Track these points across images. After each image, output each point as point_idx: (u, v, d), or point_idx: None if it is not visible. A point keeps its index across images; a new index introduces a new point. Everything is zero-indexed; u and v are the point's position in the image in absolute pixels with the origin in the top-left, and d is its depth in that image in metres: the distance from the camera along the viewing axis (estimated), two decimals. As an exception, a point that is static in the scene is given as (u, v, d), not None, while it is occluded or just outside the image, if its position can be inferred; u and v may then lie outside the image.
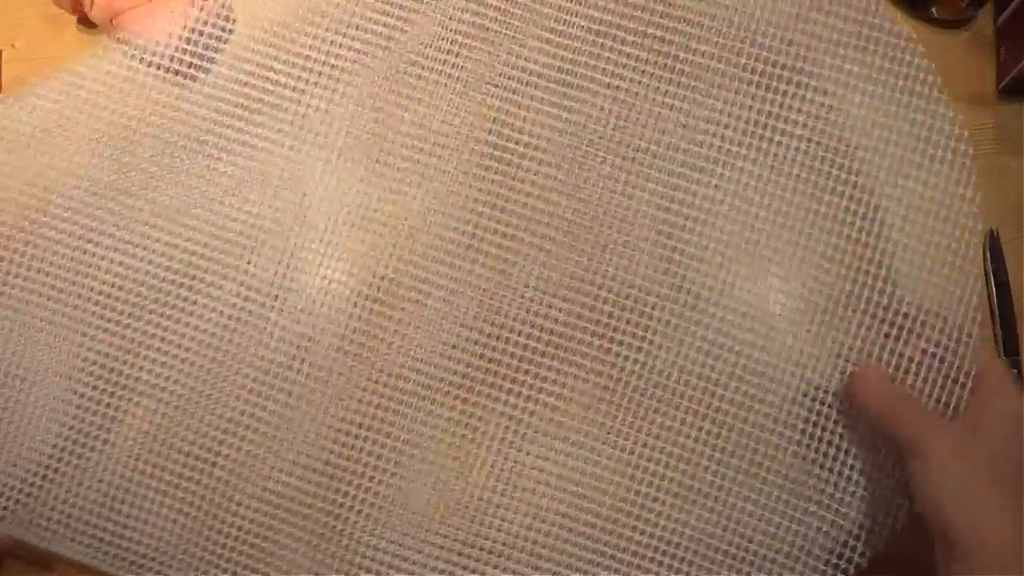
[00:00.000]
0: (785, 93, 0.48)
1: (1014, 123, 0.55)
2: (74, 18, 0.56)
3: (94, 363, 0.48)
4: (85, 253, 0.48)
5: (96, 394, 0.47)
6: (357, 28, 0.51)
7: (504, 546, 0.46)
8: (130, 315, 0.48)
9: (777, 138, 0.48)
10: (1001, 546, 0.36)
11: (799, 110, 0.49)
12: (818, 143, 0.48)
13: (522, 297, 0.48)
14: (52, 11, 0.55)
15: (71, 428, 0.47)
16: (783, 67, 0.49)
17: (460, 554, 0.46)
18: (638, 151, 0.49)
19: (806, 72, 0.49)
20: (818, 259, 0.48)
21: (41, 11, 0.56)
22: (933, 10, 0.55)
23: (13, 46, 0.56)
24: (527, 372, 0.47)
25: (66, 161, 0.49)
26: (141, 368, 0.48)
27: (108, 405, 0.47)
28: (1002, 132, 0.55)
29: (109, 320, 0.48)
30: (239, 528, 0.46)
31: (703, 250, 0.48)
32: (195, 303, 0.48)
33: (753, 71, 0.49)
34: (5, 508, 0.46)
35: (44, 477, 0.47)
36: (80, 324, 0.48)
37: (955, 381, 0.41)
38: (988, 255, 0.51)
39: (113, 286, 0.48)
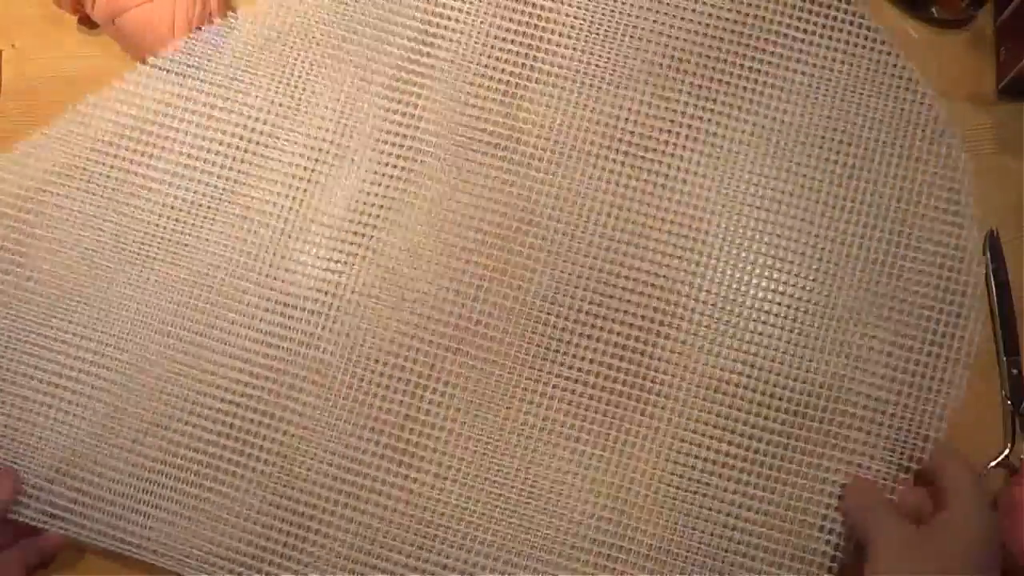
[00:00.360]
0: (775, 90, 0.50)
1: (1014, 123, 0.54)
2: (74, 18, 0.56)
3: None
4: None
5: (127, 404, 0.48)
6: (363, 28, 0.51)
7: (524, 541, 0.46)
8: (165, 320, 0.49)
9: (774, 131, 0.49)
10: None
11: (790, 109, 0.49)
12: (813, 141, 0.49)
13: (543, 298, 0.49)
14: (52, 11, 0.55)
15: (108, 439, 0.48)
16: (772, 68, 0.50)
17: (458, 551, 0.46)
18: (645, 149, 0.50)
19: (798, 73, 0.50)
20: (819, 256, 0.48)
21: (41, 11, 0.56)
22: (933, 10, 0.54)
23: (13, 46, 0.56)
24: (548, 372, 0.48)
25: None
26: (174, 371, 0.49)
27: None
28: (1002, 132, 0.54)
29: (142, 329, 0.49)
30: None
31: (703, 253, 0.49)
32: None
33: (747, 71, 0.50)
34: (59, 510, 0.47)
35: (93, 479, 0.47)
36: (110, 331, 0.49)
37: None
38: (988, 255, 0.51)
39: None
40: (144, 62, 0.50)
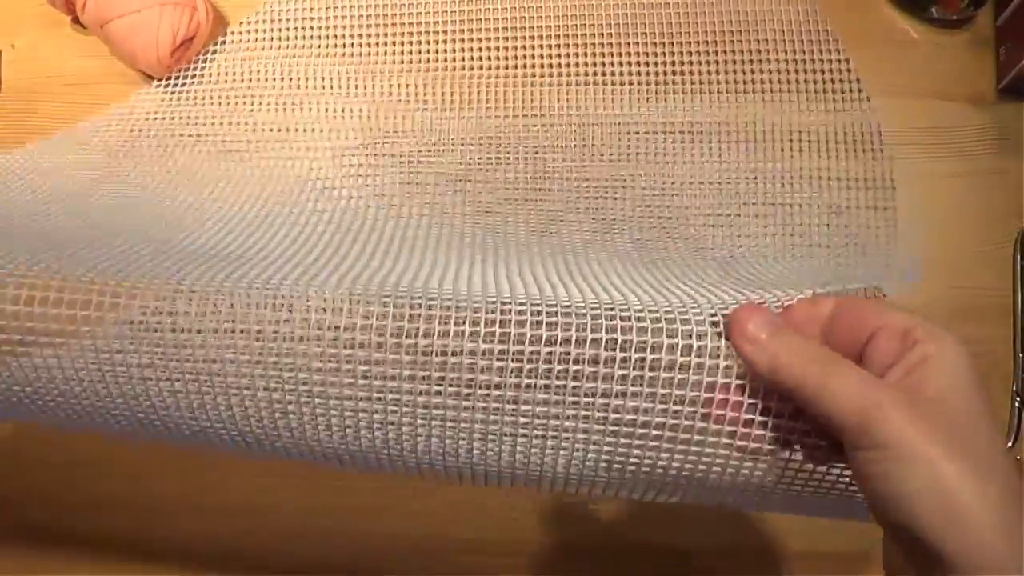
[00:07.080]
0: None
1: (1014, 123, 0.54)
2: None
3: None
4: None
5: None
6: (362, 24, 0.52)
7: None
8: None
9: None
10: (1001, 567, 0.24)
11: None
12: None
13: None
14: (52, 11, 0.54)
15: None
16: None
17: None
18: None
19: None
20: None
21: (40, 11, 0.55)
22: (933, 10, 0.55)
23: (13, 46, 0.55)
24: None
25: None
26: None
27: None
28: (1002, 132, 0.54)
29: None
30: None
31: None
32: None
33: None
34: None
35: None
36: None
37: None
38: (1019, 253, 0.51)
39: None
40: (132, 66, 0.51)
